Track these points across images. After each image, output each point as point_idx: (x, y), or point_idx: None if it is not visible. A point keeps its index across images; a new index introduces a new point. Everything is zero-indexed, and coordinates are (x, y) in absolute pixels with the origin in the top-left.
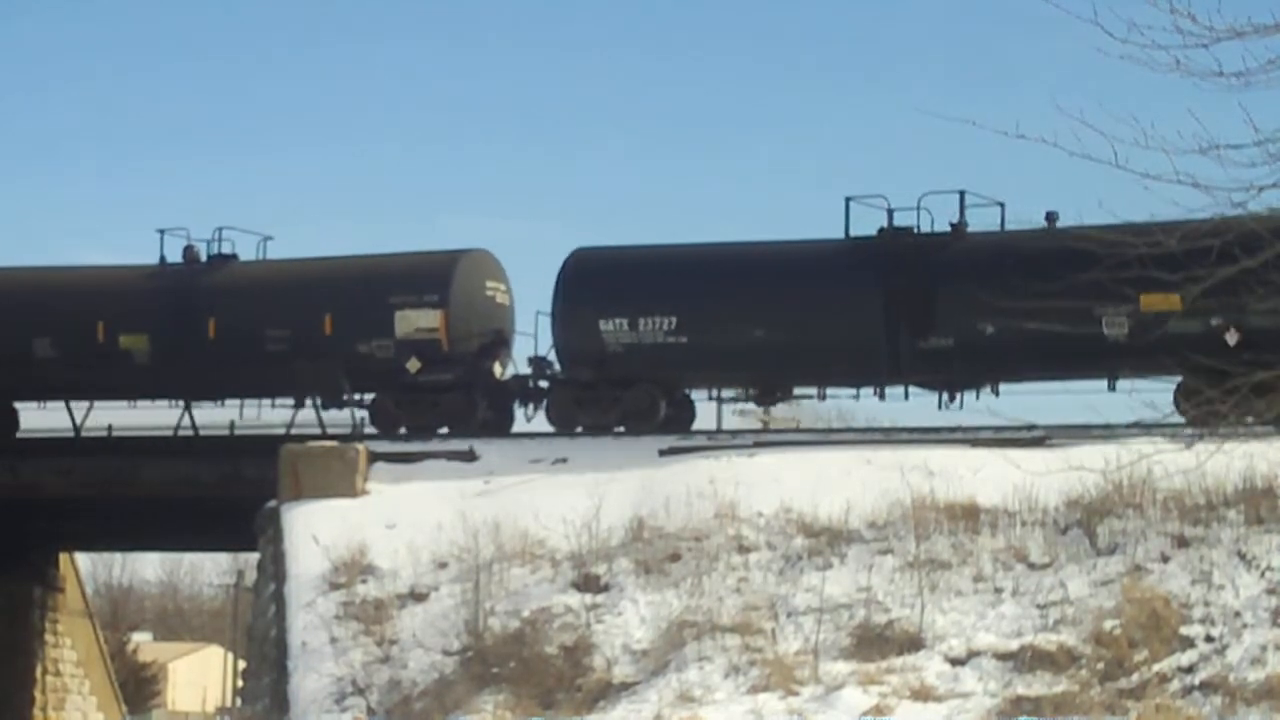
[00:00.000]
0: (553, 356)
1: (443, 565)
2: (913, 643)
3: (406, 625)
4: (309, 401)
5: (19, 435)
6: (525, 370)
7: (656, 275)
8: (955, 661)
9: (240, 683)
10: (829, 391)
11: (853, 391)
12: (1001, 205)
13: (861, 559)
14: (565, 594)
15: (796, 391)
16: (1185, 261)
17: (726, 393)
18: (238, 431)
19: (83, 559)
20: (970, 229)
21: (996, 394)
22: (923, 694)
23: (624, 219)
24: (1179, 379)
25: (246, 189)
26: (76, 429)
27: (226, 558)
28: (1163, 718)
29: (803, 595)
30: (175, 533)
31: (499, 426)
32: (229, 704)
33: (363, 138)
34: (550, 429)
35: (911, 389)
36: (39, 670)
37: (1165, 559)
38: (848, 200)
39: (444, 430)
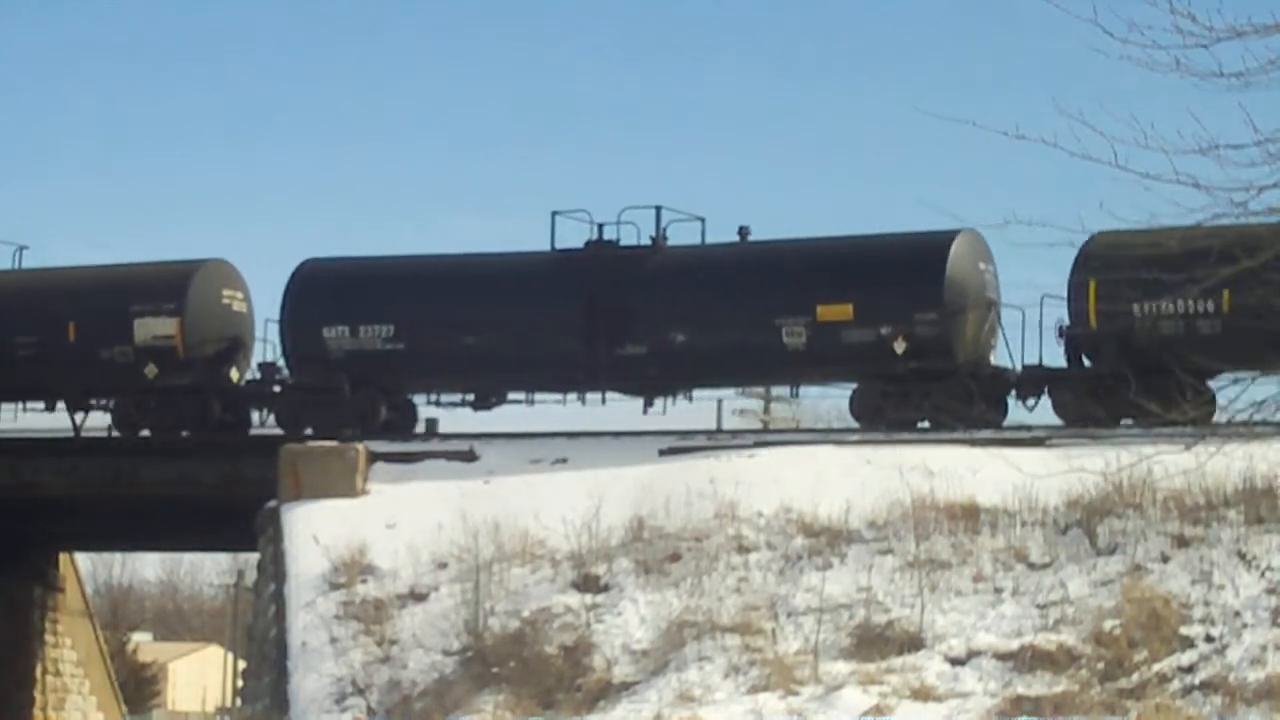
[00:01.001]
0: (283, 362)
1: (443, 565)
2: (913, 643)
3: (406, 625)
4: (59, 405)
5: (19, 435)
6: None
7: (376, 285)
8: (955, 661)
9: (240, 683)
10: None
11: (559, 397)
12: (702, 220)
13: (861, 559)
14: (565, 594)
15: (510, 397)
16: None
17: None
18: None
19: (83, 559)
20: (671, 243)
21: (690, 400)
22: (923, 694)
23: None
24: (855, 385)
25: (246, 188)
26: (76, 429)
27: (226, 558)
28: (1163, 718)
29: (803, 595)
30: (175, 533)
31: (237, 429)
32: (229, 704)
33: (362, 138)
34: (550, 430)
35: (612, 395)
36: (39, 670)
37: (1165, 559)
38: (554, 214)
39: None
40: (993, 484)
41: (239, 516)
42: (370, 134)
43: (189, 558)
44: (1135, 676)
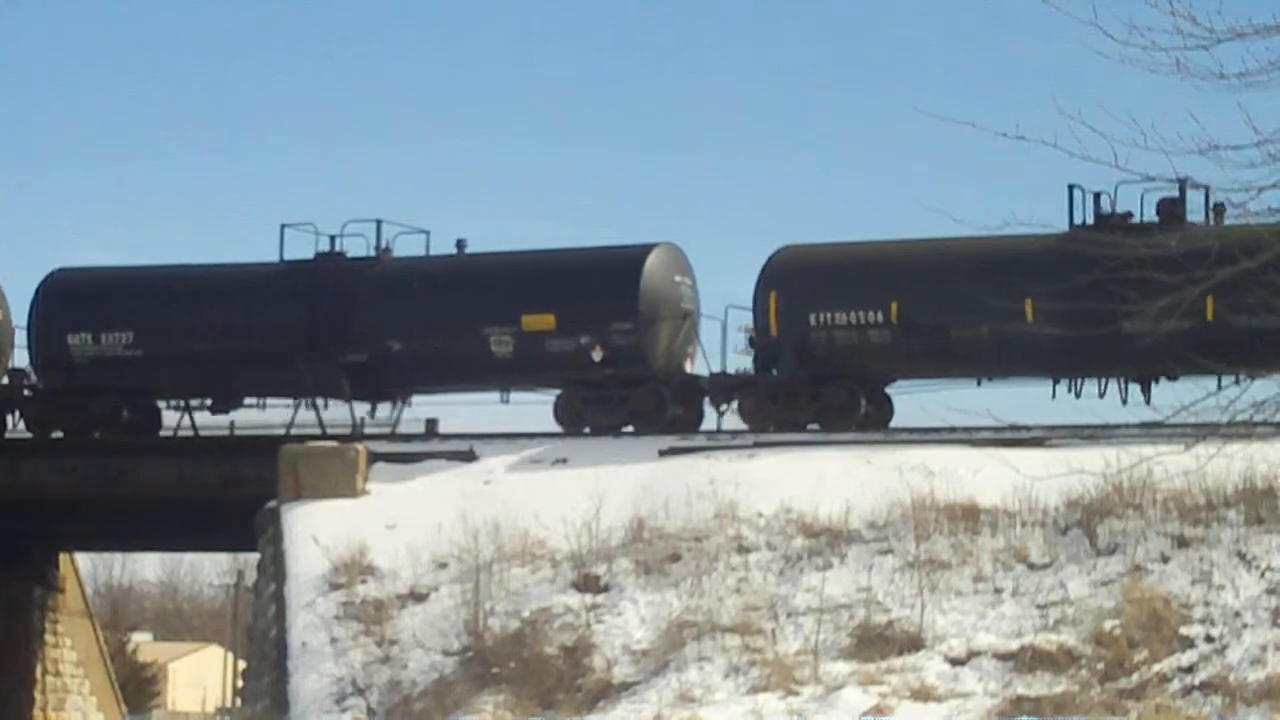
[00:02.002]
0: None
1: (443, 565)
2: (913, 643)
3: (406, 625)
4: None
5: (19, 436)
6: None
7: (117, 295)
8: (955, 661)
9: (240, 683)
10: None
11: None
12: (426, 233)
13: (861, 559)
14: (565, 594)
15: (247, 401)
16: None
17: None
18: (237, 431)
19: (83, 559)
20: (396, 255)
21: (409, 405)
22: (923, 694)
23: (622, 218)
24: (559, 391)
25: (246, 190)
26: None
27: (226, 558)
28: (1163, 718)
29: (803, 595)
30: (175, 533)
31: None
32: (229, 704)
33: (362, 137)
34: (550, 430)
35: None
36: (39, 670)
37: (1165, 559)
38: (283, 227)
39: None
40: (993, 484)
41: (239, 516)
42: (369, 133)
43: (189, 558)
44: (1135, 677)
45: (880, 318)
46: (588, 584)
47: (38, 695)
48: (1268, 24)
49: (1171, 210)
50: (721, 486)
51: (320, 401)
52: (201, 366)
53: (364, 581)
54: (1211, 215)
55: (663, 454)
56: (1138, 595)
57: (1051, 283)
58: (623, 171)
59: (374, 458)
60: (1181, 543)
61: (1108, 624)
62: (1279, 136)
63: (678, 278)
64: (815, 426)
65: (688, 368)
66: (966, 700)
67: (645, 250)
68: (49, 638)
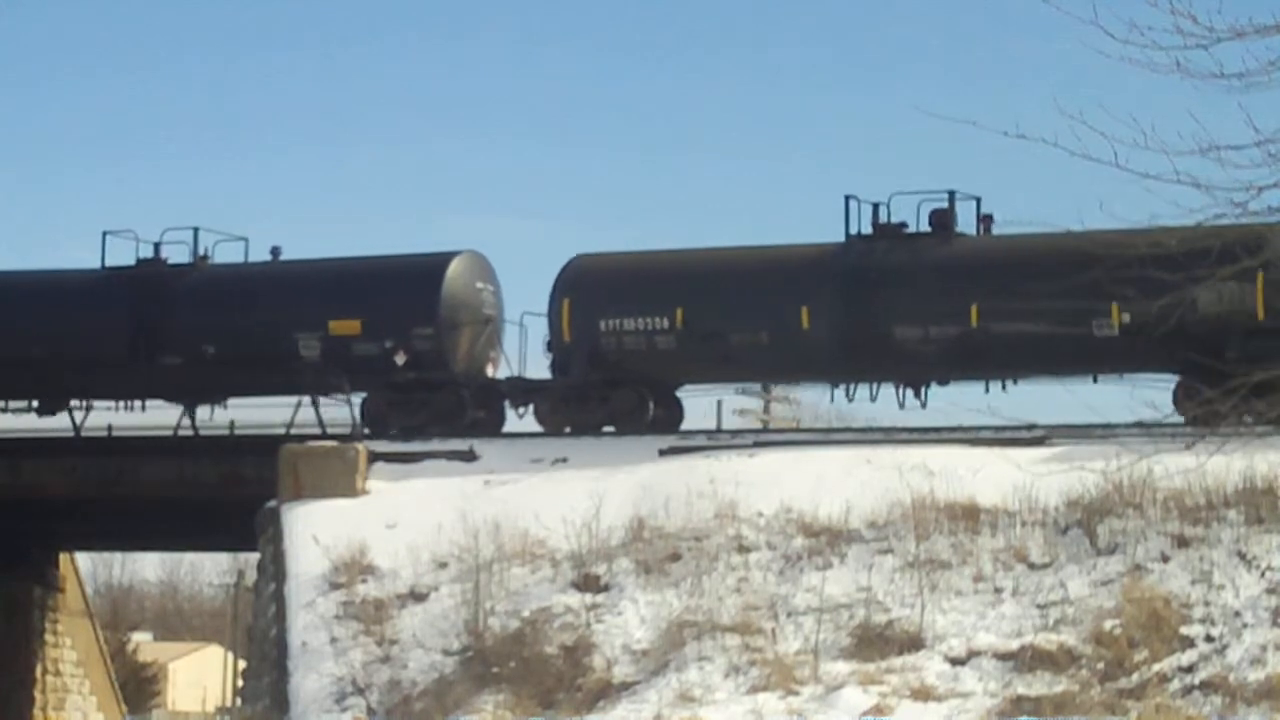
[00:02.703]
0: None
1: (443, 565)
2: (913, 643)
3: (406, 625)
4: None
5: (19, 435)
6: None
7: None
8: (955, 661)
9: (240, 683)
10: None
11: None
12: (245, 240)
13: (861, 559)
14: (565, 594)
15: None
16: None
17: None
18: (237, 431)
19: (83, 559)
20: (214, 262)
21: (225, 407)
22: (923, 694)
23: (622, 217)
24: (365, 394)
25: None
26: (76, 429)
27: (226, 558)
28: (1163, 718)
29: (803, 595)
30: (175, 533)
31: None
32: (229, 704)
33: (364, 138)
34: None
35: (156, 401)
36: (39, 670)
37: (1165, 559)
38: (105, 234)
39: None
40: (993, 484)
41: (239, 516)
42: (370, 134)
43: (189, 558)
44: (1135, 676)
45: (666, 324)
46: (588, 584)
47: (38, 695)
48: (1268, 23)
49: (942, 221)
50: (721, 486)
51: (322, 400)
52: (30, 371)
53: (364, 581)
54: (980, 226)
55: (663, 453)
56: (1138, 595)
57: (827, 291)
58: (623, 171)
59: (374, 457)
60: (1181, 542)
61: (1108, 624)
62: (1279, 136)
63: (479, 284)
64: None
65: (490, 371)
66: (966, 700)
67: (447, 258)
68: (49, 638)
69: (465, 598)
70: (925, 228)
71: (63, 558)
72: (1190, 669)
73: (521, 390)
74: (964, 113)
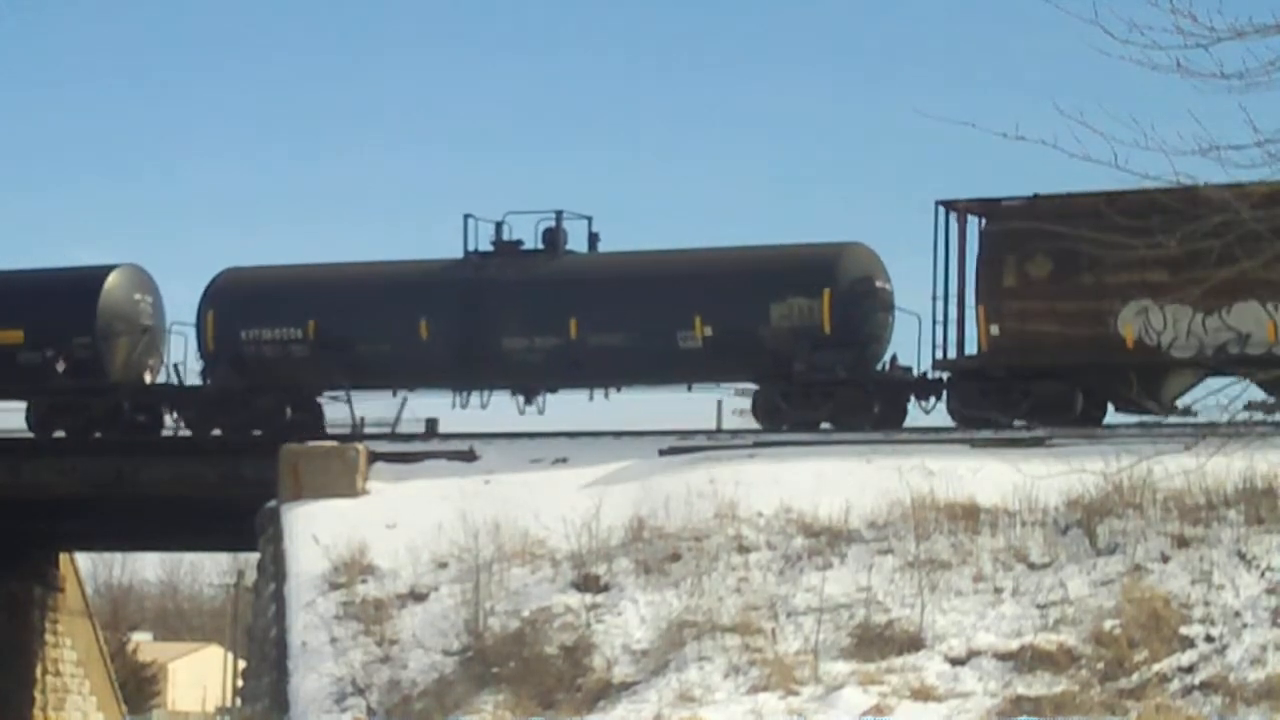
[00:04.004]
0: None
1: (443, 565)
2: (913, 643)
3: (406, 625)
4: None
5: (19, 435)
6: None
7: None
8: (955, 661)
9: (240, 683)
10: None
11: None
12: None
13: (861, 559)
14: (565, 594)
15: None
16: None
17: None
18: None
19: (83, 559)
20: None
21: None
22: (923, 694)
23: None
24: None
25: (248, 190)
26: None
27: (226, 558)
28: (1163, 718)
29: (803, 595)
30: (175, 533)
31: None
32: (229, 704)
33: (364, 138)
34: (550, 430)
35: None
36: (39, 670)
37: (1165, 559)
38: None
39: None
40: (993, 484)
41: (239, 516)
42: (375, 135)
43: (189, 558)
44: (1135, 676)
45: (300, 334)
46: (588, 584)
47: (38, 695)
48: (1268, 23)
49: (552, 238)
50: (721, 486)
51: (320, 400)
52: None
53: (364, 581)
54: (589, 243)
55: (663, 453)
56: (1138, 595)
57: (443, 303)
58: (625, 170)
59: (374, 457)
60: (1181, 542)
61: (1108, 624)
62: (1279, 136)
63: (138, 296)
64: (253, 432)
65: (148, 379)
66: (966, 700)
67: (105, 271)
68: (49, 638)
69: (465, 598)
70: (540, 245)
71: (63, 558)
72: (1190, 669)
73: (172, 395)
74: (964, 113)
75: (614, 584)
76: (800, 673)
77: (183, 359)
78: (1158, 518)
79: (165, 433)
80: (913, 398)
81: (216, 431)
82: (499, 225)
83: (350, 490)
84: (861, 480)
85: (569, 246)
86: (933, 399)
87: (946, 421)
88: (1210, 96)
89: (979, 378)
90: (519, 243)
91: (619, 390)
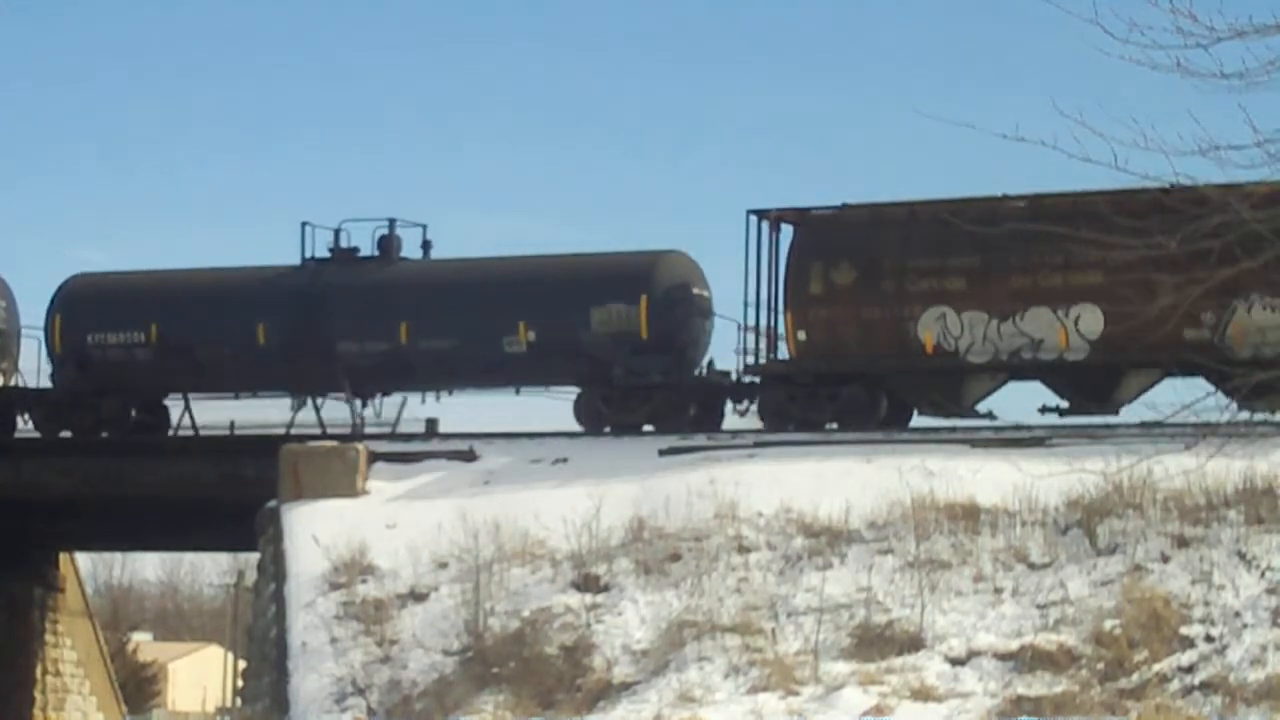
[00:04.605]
0: None
1: (443, 565)
2: (913, 643)
3: (406, 625)
4: None
5: (20, 435)
6: None
7: None
8: (955, 661)
9: (240, 683)
10: None
11: None
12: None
13: (861, 559)
14: (565, 594)
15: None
16: None
17: None
18: (238, 431)
19: (83, 559)
20: None
21: None
22: (923, 694)
23: (622, 215)
24: None
25: (249, 190)
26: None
27: (226, 558)
28: (1163, 718)
29: (803, 595)
30: (175, 533)
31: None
32: (229, 704)
33: (363, 139)
34: (550, 430)
35: None
36: (39, 670)
37: (1165, 559)
38: None
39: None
40: (993, 484)
41: (239, 516)
42: (372, 134)
43: (189, 558)
44: (1135, 676)
45: (142, 338)
46: (588, 584)
47: (38, 695)
48: (1268, 23)
49: (387, 245)
50: (721, 486)
51: (319, 401)
52: None
53: (364, 581)
54: (422, 250)
55: (663, 453)
56: (1138, 595)
57: (280, 309)
58: (624, 171)
59: (374, 457)
60: (1181, 543)
61: (1108, 624)
62: (1279, 136)
63: None
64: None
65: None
66: (966, 700)
67: None
68: (49, 638)
69: (465, 598)
70: (376, 252)
71: (63, 558)
72: (1190, 669)
73: (18, 398)
74: (963, 113)
75: (614, 584)
76: (800, 673)
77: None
78: (1158, 518)
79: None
80: (729, 401)
81: (66, 433)
82: (336, 233)
83: (350, 490)
84: (861, 480)
85: (403, 254)
86: (746, 402)
87: (943, 423)
88: (1210, 96)
89: (788, 382)
90: (355, 250)
91: (450, 393)
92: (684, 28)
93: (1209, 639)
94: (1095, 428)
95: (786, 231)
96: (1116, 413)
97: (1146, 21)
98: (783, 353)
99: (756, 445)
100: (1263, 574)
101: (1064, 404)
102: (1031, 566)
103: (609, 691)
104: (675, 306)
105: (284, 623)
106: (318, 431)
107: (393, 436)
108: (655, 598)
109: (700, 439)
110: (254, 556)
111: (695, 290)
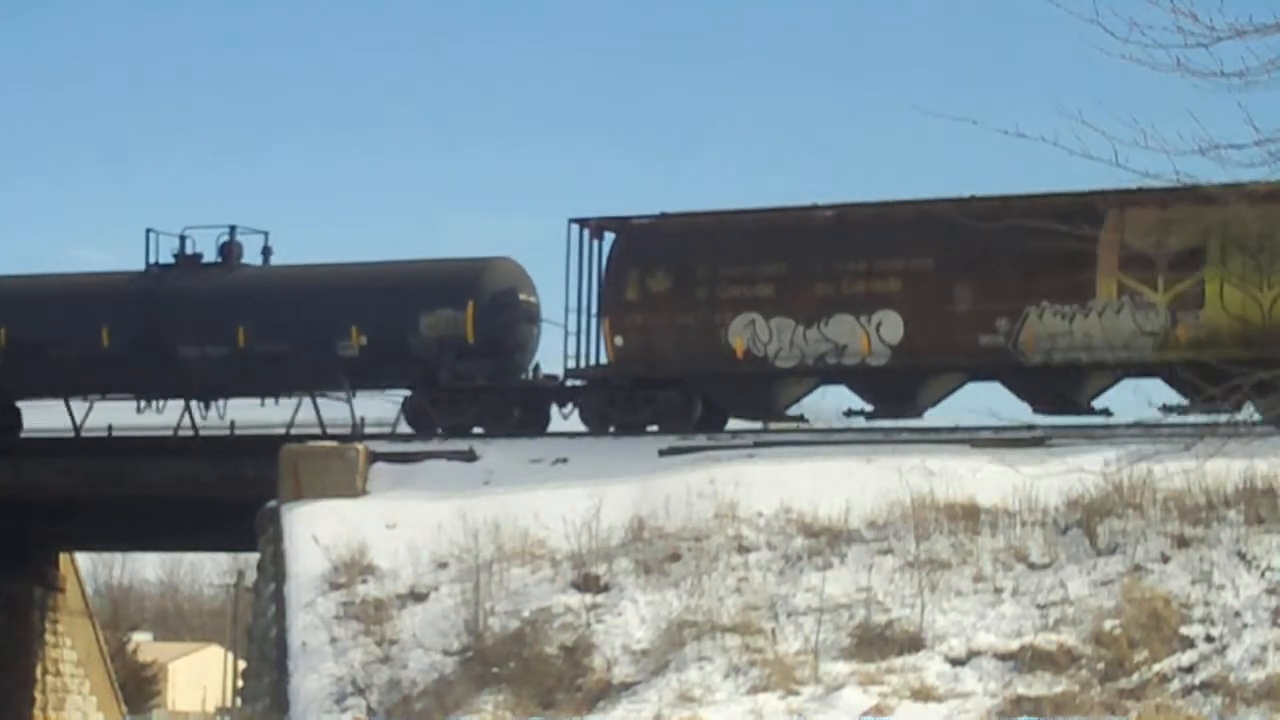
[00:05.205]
0: None
1: (443, 565)
2: (913, 643)
3: (406, 625)
4: None
5: (20, 435)
6: None
7: None
8: (955, 661)
9: (240, 683)
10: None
11: None
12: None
13: (861, 559)
14: (565, 594)
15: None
16: None
17: None
18: (238, 431)
19: (83, 559)
20: None
21: None
22: (923, 694)
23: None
24: None
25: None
26: (76, 429)
27: (226, 558)
28: (1163, 718)
29: (803, 595)
30: (175, 533)
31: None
32: (229, 704)
33: (364, 139)
34: (550, 430)
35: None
36: (39, 670)
37: (1165, 559)
38: None
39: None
40: (993, 484)
41: (239, 516)
42: (371, 135)
43: (189, 558)
44: (1135, 676)
45: None
46: (588, 584)
47: (38, 695)
48: (1268, 22)
49: (229, 252)
50: (721, 486)
51: (320, 400)
52: None
53: (364, 581)
54: (262, 256)
55: (663, 453)
56: (1138, 595)
57: (124, 313)
58: (625, 172)
59: (374, 458)
60: (1181, 543)
61: (1108, 624)
62: (1279, 135)
63: None
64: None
65: None
66: (966, 700)
67: None
68: (49, 638)
69: (465, 598)
70: (218, 259)
71: (63, 558)
72: (1190, 669)
73: None
74: (964, 113)
75: (614, 584)
76: (800, 673)
77: None
78: (1158, 518)
79: (165, 433)
80: (554, 404)
81: None
82: (182, 239)
83: (350, 490)
84: (861, 480)
85: (244, 260)
86: (570, 405)
87: (943, 422)
88: (1210, 96)
89: (606, 386)
90: (199, 256)
91: (289, 396)
92: (684, 28)
93: (1209, 639)
94: (1095, 428)
95: (609, 239)
96: (920, 416)
97: (1146, 21)
98: (604, 357)
99: (756, 445)
100: (1263, 574)
101: (869, 407)
102: (1031, 566)
103: (609, 691)
104: (501, 312)
105: (284, 623)
106: (318, 431)
107: (393, 436)
108: (655, 598)
109: (700, 439)
110: (254, 556)
111: (522, 296)
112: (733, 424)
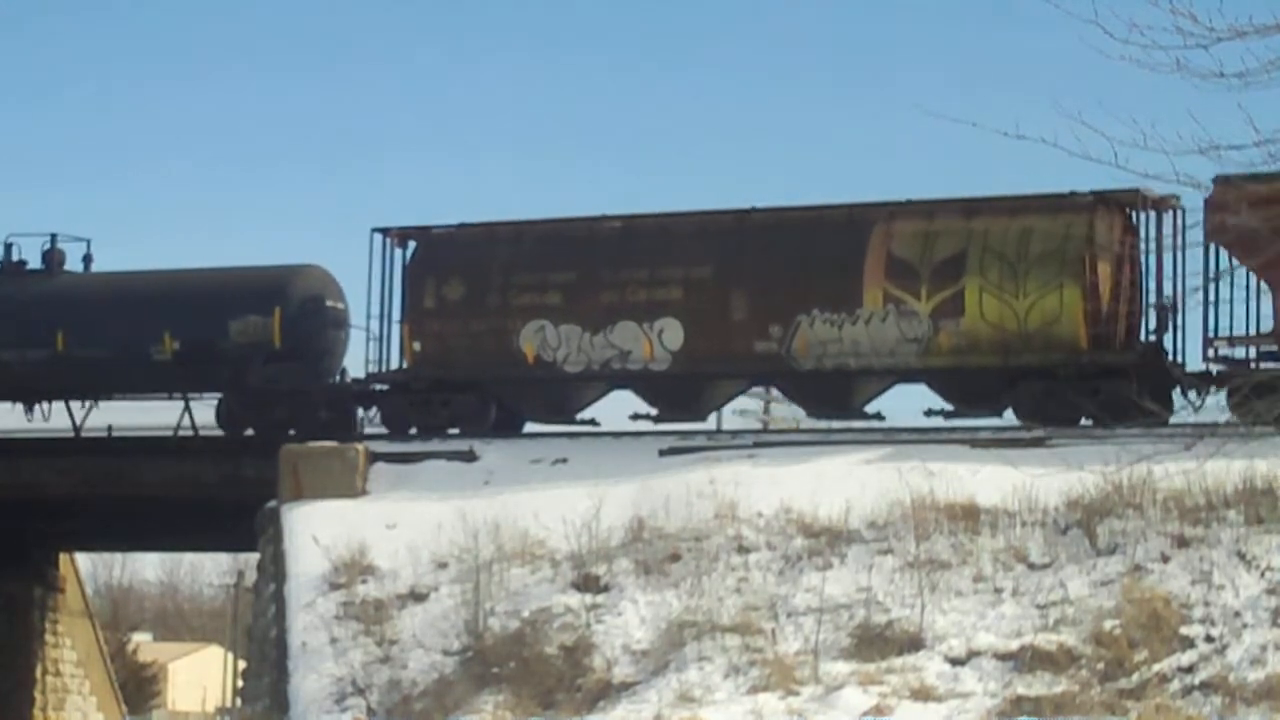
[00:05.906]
0: None
1: (443, 565)
2: (913, 643)
3: (406, 625)
4: None
5: (20, 435)
6: None
7: None
8: (955, 661)
9: (240, 683)
10: None
11: None
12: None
13: (861, 559)
14: (565, 594)
15: None
16: None
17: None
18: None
19: (83, 559)
20: None
21: None
22: (923, 694)
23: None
24: None
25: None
26: (76, 429)
27: (226, 558)
28: (1163, 718)
29: (803, 595)
30: (175, 533)
31: None
32: (229, 704)
33: (364, 140)
34: (550, 430)
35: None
36: (39, 670)
37: (1165, 559)
38: None
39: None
40: (993, 484)
41: (239, 516)
42: (371, 137)
43: (189, 558)
44: (1135, 677)
45: None
46: (588, 584)
47: (38, 695)
48: (1268, 23)
49: (50, 259)
50: (721, 486)
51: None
52: None
53: (364, 581)
54: (84, 264)
55: (663, 454)
56: (1138, 595)
57: None
58: (625, 172)
59: (374, 458)
60: (1181, 543)
61: (1108, 624)
62: (1279, 136)
63: None
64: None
65: None
66: (966, 700)
67: None
68: (49, 638)
69: (465, 598)
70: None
71: (63, 558)
72: (1190, 669)
73: None
74: (964, 113)
75: (614, 584)
76: (800, 673)
77: None
78: (1158, 518)
79: (165, 433)
80: (360, 407)
81: None
82: (7, 246)
83: (350, 490)
84: (861, 480)
85: (67, 267)
86: (374, 408)
87: (946, 422)
88: (1210, 96)
89: (407, 390)
90: (24, 263)
91: (109, 399)
92: (684, 29)
93: (1209, 639)
94: (1095, 429)
95: (411, 248)
96: (704, 420)
97: (1146, 21)
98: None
99: (756, 445)
100: (1263, 574)
101: (654, 411)
102: (1031, 566)
103: (609, 691)
104: (308, 318)
105: (284, 623)
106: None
107: (393, 437)
108: (655, 598)
109: (700, 439)
110: (254, 556)
111: (329, 303)
112: (732, 424)
